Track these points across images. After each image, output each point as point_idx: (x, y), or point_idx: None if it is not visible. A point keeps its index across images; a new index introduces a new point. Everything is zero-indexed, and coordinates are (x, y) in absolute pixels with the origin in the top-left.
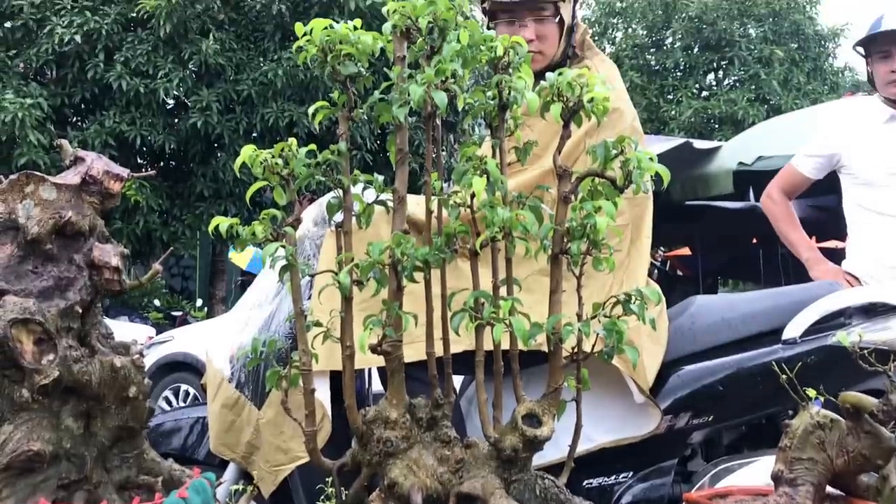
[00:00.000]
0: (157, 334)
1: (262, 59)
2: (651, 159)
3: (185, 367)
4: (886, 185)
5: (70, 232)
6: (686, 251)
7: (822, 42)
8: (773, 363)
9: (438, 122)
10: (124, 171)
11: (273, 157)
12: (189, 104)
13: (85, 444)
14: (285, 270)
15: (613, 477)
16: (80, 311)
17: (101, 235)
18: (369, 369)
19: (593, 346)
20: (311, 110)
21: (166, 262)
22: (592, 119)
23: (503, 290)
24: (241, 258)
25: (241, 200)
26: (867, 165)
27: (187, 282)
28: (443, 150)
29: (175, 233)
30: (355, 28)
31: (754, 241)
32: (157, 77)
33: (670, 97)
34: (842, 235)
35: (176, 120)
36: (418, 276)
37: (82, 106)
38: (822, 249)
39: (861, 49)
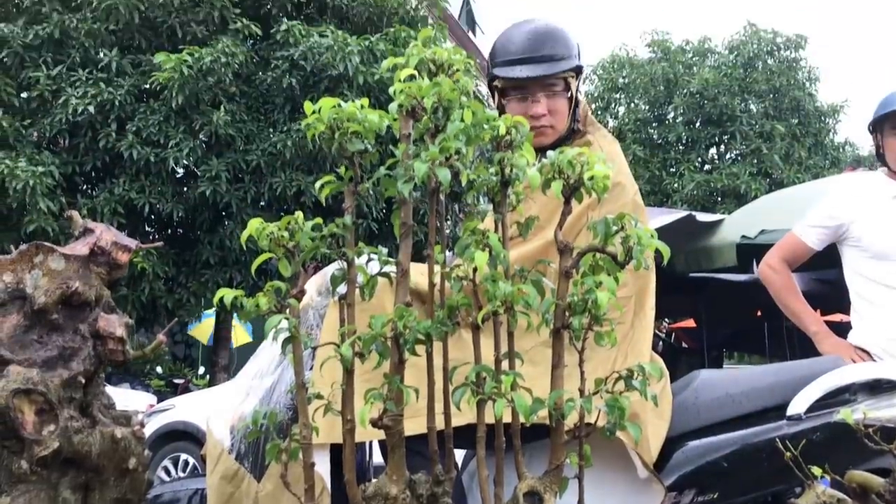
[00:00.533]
0: (158, 402)
1: (271, 130)
2: (651, 235)
3: (186, 437)
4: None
5: (76, 302)
6: (691, 323)
7: (823, 118)
8: (778, 440)
9: (442, 196)
10: (133, 243)
11: (279, 229)
12: (198, 173)
13: None
14: (288, 342)
15: None
16: (83, 381)
17: (106, 305)
18: (370, 442)
19: (595, 421)
20: (317, 185)
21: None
22: (594, 194)
23: (505, 364)
24: (201, 332)
25: (247, 268)
26: (878, 239)
27: (190, 349)
28: (447, 220)
29: (180, 300)
30: (362, 107)
31: (758, 314)
32: (167, 146)
33: (673, 170)
34: (846, 308)
35: (185, 188)
36: (420, 348)
37: (93, 174)
38: (827, 323)
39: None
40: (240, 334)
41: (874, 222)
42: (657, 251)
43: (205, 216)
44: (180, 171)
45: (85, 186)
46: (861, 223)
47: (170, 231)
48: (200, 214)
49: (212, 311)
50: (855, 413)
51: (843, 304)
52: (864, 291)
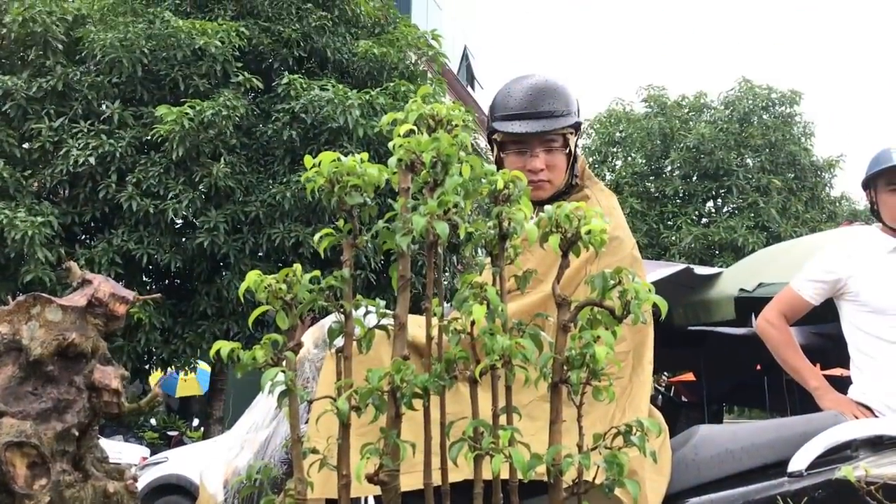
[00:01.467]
0: (151, 454)
1: (271, 182)
2: (649, 290)
3: (179, 490)
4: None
5: (72, 353)
6: (690, 377)
7: (818, 172)
8: (780, 497)
9: (440, 249)
10: (130, 294)
11: (277, 282)
12: (197, 224)
13: None
14: (284, 395)
15: None
16: (77, 434)
17: (102, 357)
18: (365, 498)
19: (594, 478)
20: (316, 238)
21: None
22: (591, 248)
23: (503, 419)
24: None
25: (244, 319)
26: (876, 294)
27: (185, 401)
28: (445, 272)
29: (175, 350)
30: (362, 161)
31: (758, 367)
32: (167, 198)
33: (670, 223)
34: (845, 363)
35: (183, 239)
36: (417, 403)
37: (92, 224)
38: (826, 377)
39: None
40: (191, 384)
41: (871, 277)
42: (655, 305)
43: (202, 267)
44: (179, 221)
45: (83, 237)
46: (858, 278)
47: (167, 281)
48: (198, 265)
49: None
50: (856, 470)
51: (842, 358)
52: (864, 346)
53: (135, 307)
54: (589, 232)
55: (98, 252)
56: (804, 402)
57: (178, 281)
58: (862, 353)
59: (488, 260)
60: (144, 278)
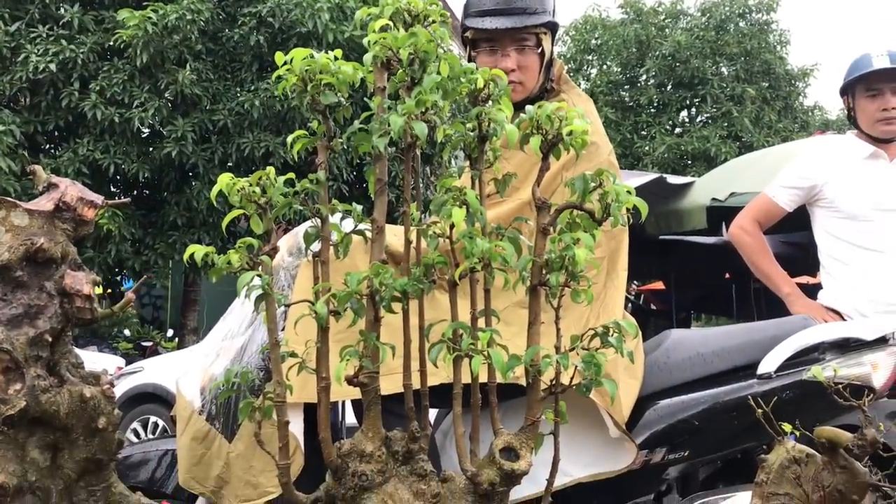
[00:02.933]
0: (126, 365)
1: (238, 90)
2: (629, 192)
3: (155, 399)
4: (870, 219)
5: (41, 259)
6: (660, 285)
7: (793, 81)
8: (749, 398)
9: (418, 152)
10: (98, 198)
11: (251, 185)
12: (164, 133)
13: (51, 477)
14: (261, 300)
15: None
16: (50, 339)
17: (73, 263)
18: (343, 402)
19: (571, 378)
20: (289, 139)
21: (137, 291)
22: (570, 152)
23: (481, 322)
24: None
25: (215, 230)
26: (851, 200)
27: (158, 311)
28: (420, 183)
29: (147, 262)
30: (336, 58)
31: (727, 276)
32: (132, 106)
33: (644, 133)
34: (812, 270)
35: (150, 149)
36: (396, 306)
37: (56, 134)
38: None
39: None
40: None
41: (846, 183)
42: (631, 211)
43: (171, 177)
44: (146, 131)
45: (48, 146)
46: (833, 184)
47: (136, 192)
48: (167, 175)
49: None
50: (825, 371)
51: (809, 266)
52: (836, 252)
53: (104, 218)
54: (570, 133)
55: (64, 162)
56: (771, 310)
57: (147, 191)
58: (833, 260)
59: (467, 163)
60: (112, 189)
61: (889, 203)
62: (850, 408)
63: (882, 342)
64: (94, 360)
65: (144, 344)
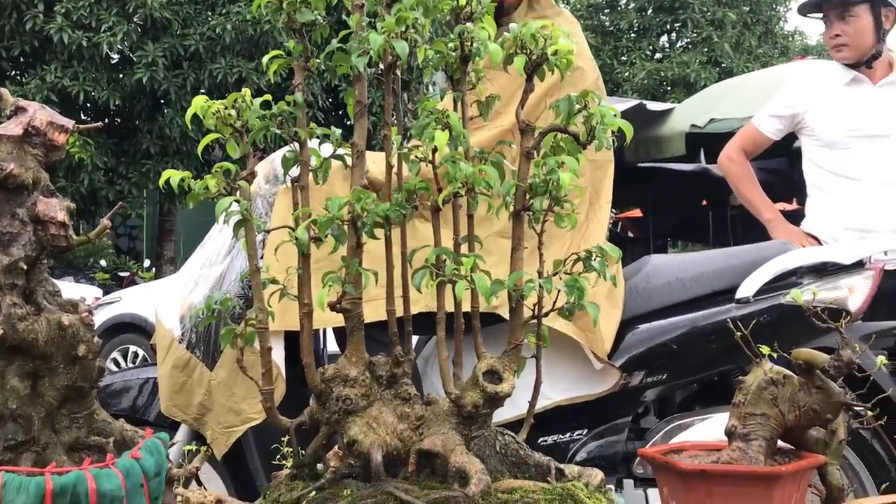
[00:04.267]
0: (103, 295)
1: (210, 14)
2: (615, 115)
3: (134, 329)
4: (847, 147)
5: (12, 185)
6: (637, 213)
7: (773, 6)
8: (727, 322)
9: (398, 73)
10: (69, 123)
11: (226, 108)
12: (134, 59)
13: (32, 405)
14: (240, 226)
15: (568, 434)
16: (25, 267)
17: (45, 189)
18: (324, 331)
19: (554, 302)
20: (265, 59)
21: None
22: (555, 75)
23: (464, 249)
24: None
25: (189, 158)
26: (829, 127)
27: (134, 242)
28: (393, 109)
29: (121, 191)
30: None
31: (704, 203)
32: (100, 30)
33: (624, 59)
34: (790, 198)
35: (121, 75)
36: (378, 233)
37: (21, 60)
38: None
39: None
40: None
41: (826, 111)
42: (615, 134)
43: (143, 104)
44: (115, 56)
45: (13, 73)
46: (814, 112)
47: (107, 120)
48: (138, 103)
49: None
50: (804, 294)
51: (788, 193)
52: (816, 179)
53: (75, 146)
54: (556, 52)
55: (31, 89)
56: (747, 237)
57: (119, 120)
58: (815, 187)
59: (448, 87)
60: (83, 117)
61: (868, 129)
62: (826, 331)
63: (859, 266)
64: (71, 290)
65: (121, 274)
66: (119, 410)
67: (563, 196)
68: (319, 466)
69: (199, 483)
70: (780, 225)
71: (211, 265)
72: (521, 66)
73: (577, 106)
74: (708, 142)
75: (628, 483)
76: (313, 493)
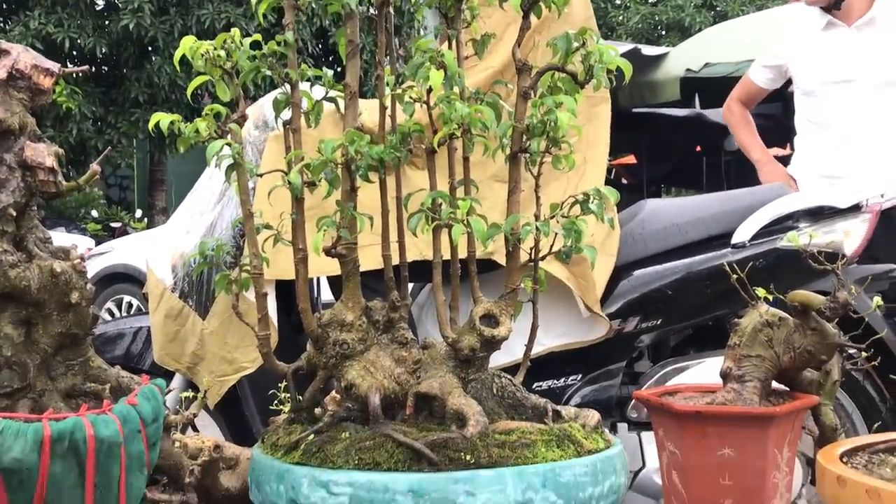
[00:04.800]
0: (95, 246)
1: None
2: (614, 52)
3: (126, 279)
4: (819, 93)
5: None
6: (631, 159)
7: None
8: (723, 266)
9: (391, 10)
10: (55, 66)
11: (215, 49)
12: (120, 5)
13: (27, 352)
14: (232, 170)
15: (562, 380)
16: (14, 213)
17: (32, 134)
18: (318, 281)
19: (551, 246)
20: (254, 1)
21: (102, 171)
22: (544, 15)
23: (460, 192)
24: None
25: (178, 107)
26: (807, 77)
27: (125, 192)
28: (386, 50)
29: (110, 141)
30: None
31: (698, 148)
32: None
33: (618, 2)
34: (784, 143)
35: (107, 22)
36: (372, 176)
37: (3, 6)
38: None
39: None
40: None
41: (804, 59)
42: (614, 73)
43: (130, 52)
44: (100, 2)
45: None
46: (796, 61)
47: (94, 68)
48: (125, 50)
49: None
50: (801, 237)
51: (782, 139)
52: (799, 127)
53: (62, 94)
54: None
55: (15, 37)
56: (740, 183)
57: (106, 67)
58: (798, 135)
59: (442, 25)
60: (69, 65)
61: (838, 75)
62: (822, 274)
63: (856, 209)
64: (63, 241)
65: (113, 225)
66: (113, 358)
67: (560, 137)
68: (317, 410)
69: (195, 430)
70: (766, 165)
71: (201, 214)
72: (517, 3)
73: (575, 44)
74: (703, 86)
75: (622, 427)
76: (311, 436)
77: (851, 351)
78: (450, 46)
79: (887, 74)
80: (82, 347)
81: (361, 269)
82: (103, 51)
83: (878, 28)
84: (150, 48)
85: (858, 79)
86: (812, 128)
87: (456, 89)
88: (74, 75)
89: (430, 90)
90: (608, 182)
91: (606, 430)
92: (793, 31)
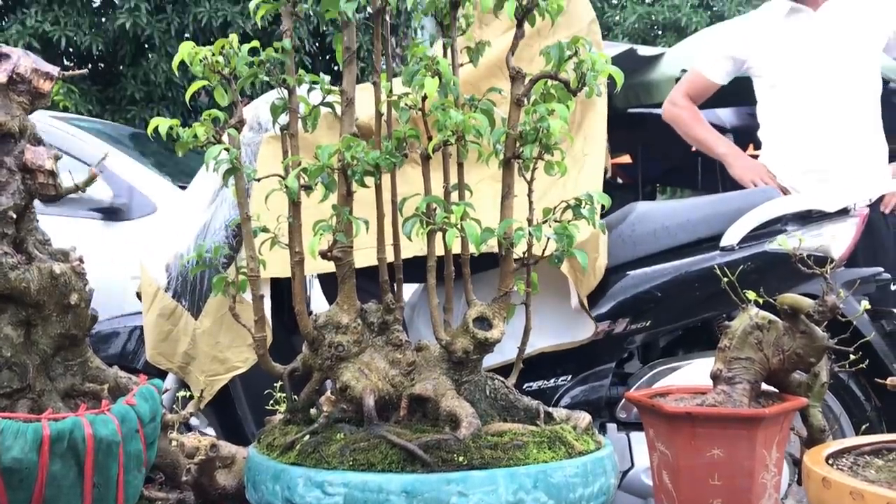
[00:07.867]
0: None
1: None
2: (606, 61)
3: None
4: (788, 84)
5: None
6: (627, 159)
7: None
8: (713, 269)
9: (388, 18)
10: (54, 69)
11: (213, 55)
12: (116, 3)
13: (26, 353)
14: (229, 174)
15: (553, 380)
16: (14, 216)
17: (32, 137)
18: (311, 280)
19: (544, 250)
20: (251, 5)
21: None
22: (537, 23)
23: (454, 196)
24: None
25: (175, 104)
26: (770, 66)
27: None
28: (382, 55)
29: None
30: None
31: (693, 149)
32: None
33: (615, 2)
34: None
35: (103, 20)
36: (368, 181)
37: (0, 3)
38: None
39: None
40: None
41: (767, 52)
42: (607, 81)
43: (126, 50)
44: (97, 0)
45: None
46: (759, 54)
47: (90, 66)
48: (122, 48)
49: None
50: (790, 240)
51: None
52: (765, 119)
53: (59, 94)
54: None
55: (12, 35)
56: (736, 183)
57: (102, 65)
58: (764, 129)
59: (438, 33)
60: (66, 63)
61: (805, 63)
62: (809, 278)
63: (843, 213)
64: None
65: None
66: (106, 358)
67: (553, 144)
68: (313, 411)
69: (189, 429)
70: (738, 160)
71: (195, 214)
72: (511, 10)
73: (568, 52)
74: None
75: (611, 427)
76: (307, 437)
77: (842, 353)
78: (445, 54)
79: (858, 58)
80: (81, 348)
81: (357, 266)
82: (100, 49)
83: (847, 7)
84: (146, 46)
85: (828, 65)
86: (782, 120)
87: (450, 96)
88: (72, 75)
89: (425, 97)
90: (604, 182)
91: (597, 432)
92: (749, 24)
